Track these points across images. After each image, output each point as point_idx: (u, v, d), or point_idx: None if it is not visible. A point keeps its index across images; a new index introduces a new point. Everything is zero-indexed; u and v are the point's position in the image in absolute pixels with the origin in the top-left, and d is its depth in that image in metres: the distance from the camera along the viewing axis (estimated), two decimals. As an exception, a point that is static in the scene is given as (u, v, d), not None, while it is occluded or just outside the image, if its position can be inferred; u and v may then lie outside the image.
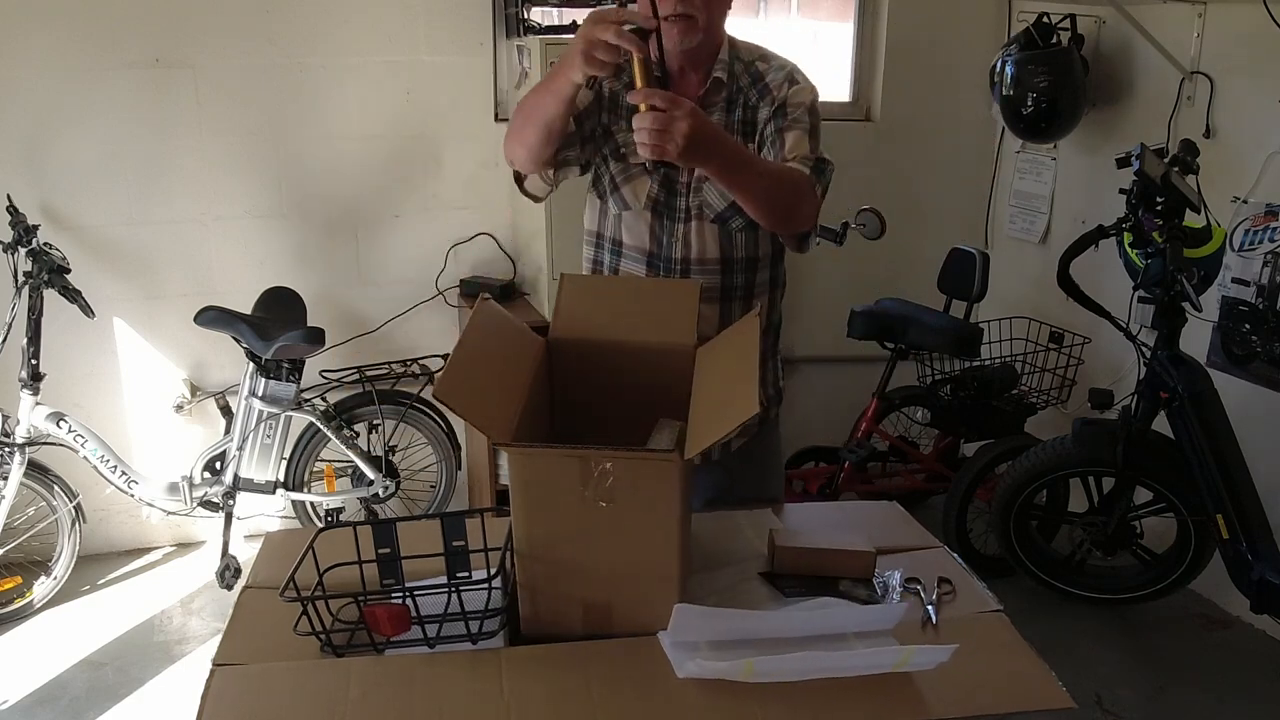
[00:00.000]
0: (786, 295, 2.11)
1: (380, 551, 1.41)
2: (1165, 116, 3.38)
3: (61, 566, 3.30)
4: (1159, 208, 2.84)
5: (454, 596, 1.36)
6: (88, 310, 3.13)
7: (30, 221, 3.10)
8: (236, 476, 3.32)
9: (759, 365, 1.50)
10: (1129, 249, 3.44)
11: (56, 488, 3.24)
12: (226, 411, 3.48)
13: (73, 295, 3.09)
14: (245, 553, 3.51)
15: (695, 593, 1.44)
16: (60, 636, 3.18)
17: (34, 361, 3.10)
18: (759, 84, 1.93)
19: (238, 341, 3.23)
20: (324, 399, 3.42)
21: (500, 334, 1.57)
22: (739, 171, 1.73)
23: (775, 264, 2.02)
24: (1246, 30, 3.11)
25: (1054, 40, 3.55)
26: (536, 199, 2.02)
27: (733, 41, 1.95)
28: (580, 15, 3.53)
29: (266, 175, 3.53)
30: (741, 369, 1.41)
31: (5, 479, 3.11)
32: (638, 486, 1.32)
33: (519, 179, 1.97)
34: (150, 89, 3.35)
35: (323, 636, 1.36)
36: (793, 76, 1.92)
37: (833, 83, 4.04)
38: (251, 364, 3.23)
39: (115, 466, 3.25)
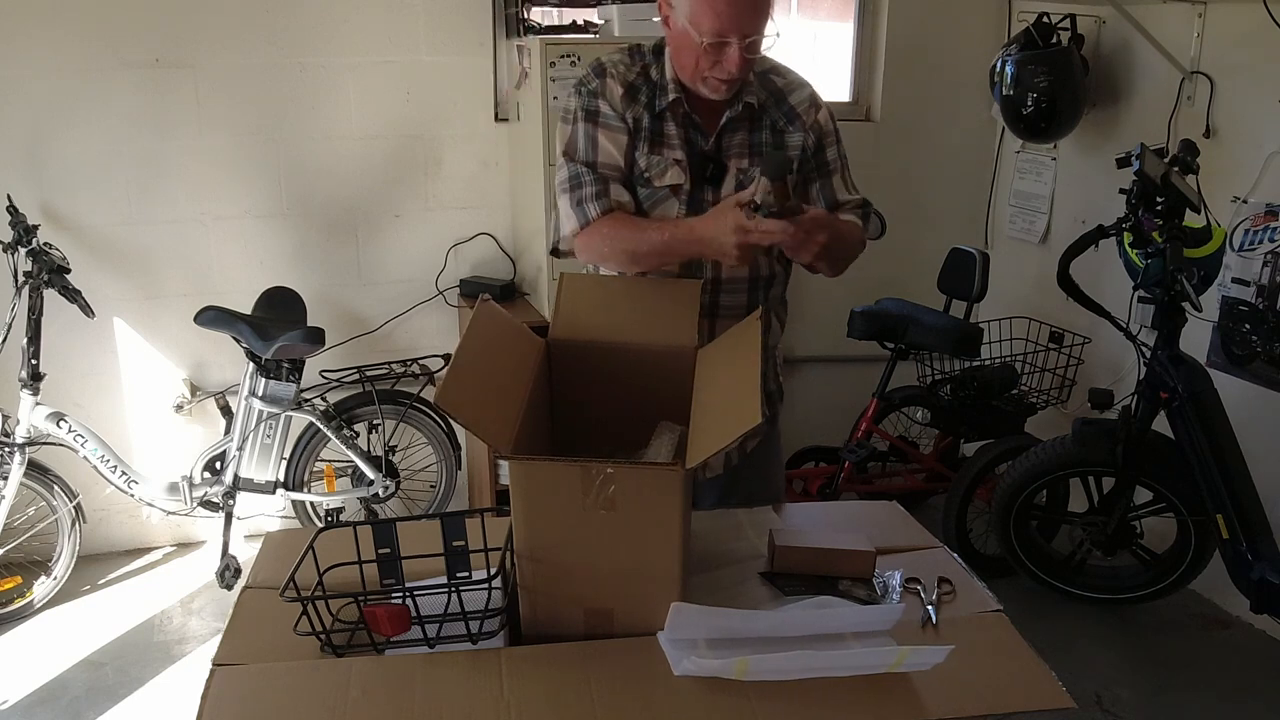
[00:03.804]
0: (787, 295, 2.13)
1: (380, 551, 1.41)
2: (1165, 116, 3.38)
3: (61, 566, 3.30)
4: (1159, 208, 2.84)
5: (454, 596, 1.36)
6: (88, 310, 3.13)
7: (30, 221, 3.10)
8: (236, 476, 3.32)
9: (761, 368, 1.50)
10: (1129, 249, 3.44)
11: (56, 488, 3.24)
12: (226, 411, 3.48)
13: (73, 295, 3.09)
14: (245, 553, 3.51)
15: (696, 593, 1.44)
16: (60, 636, 3.18)
17: (34, 361, 3.10)
18: (782, 104, 1.93)
19: (238, 341, 3.23)
20: (324, 399, 3.42)
21: (500, 336, 1.57)
22: (834, 253, 1.78)
23: (784, 282, 2.06)
24: (1246, 30, 3.11)
25: (1054, 40, 3.54)
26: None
27: None
28: (580, 15, 3.53)
29: (266, 175, 3.53)
30: (743, 376, 1.40)
31: (5, 479, 3.11)
32: (639, 495, 1.32)
33: (559, 254, 1.98)
34: (150, 89, 3.35)
35: (323, 636, 1.36)
36: (815, 98, 1.95)
37: (833, 83, 4.04)
38: (251, 364, 3.23)
39: (115, 466, 3.25)
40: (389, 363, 3.47)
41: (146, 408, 3.60)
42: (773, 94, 1.93)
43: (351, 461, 3.43)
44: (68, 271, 3.10)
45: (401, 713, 1.25)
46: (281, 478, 3.38)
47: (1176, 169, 2.85)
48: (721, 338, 1.63)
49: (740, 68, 1.76)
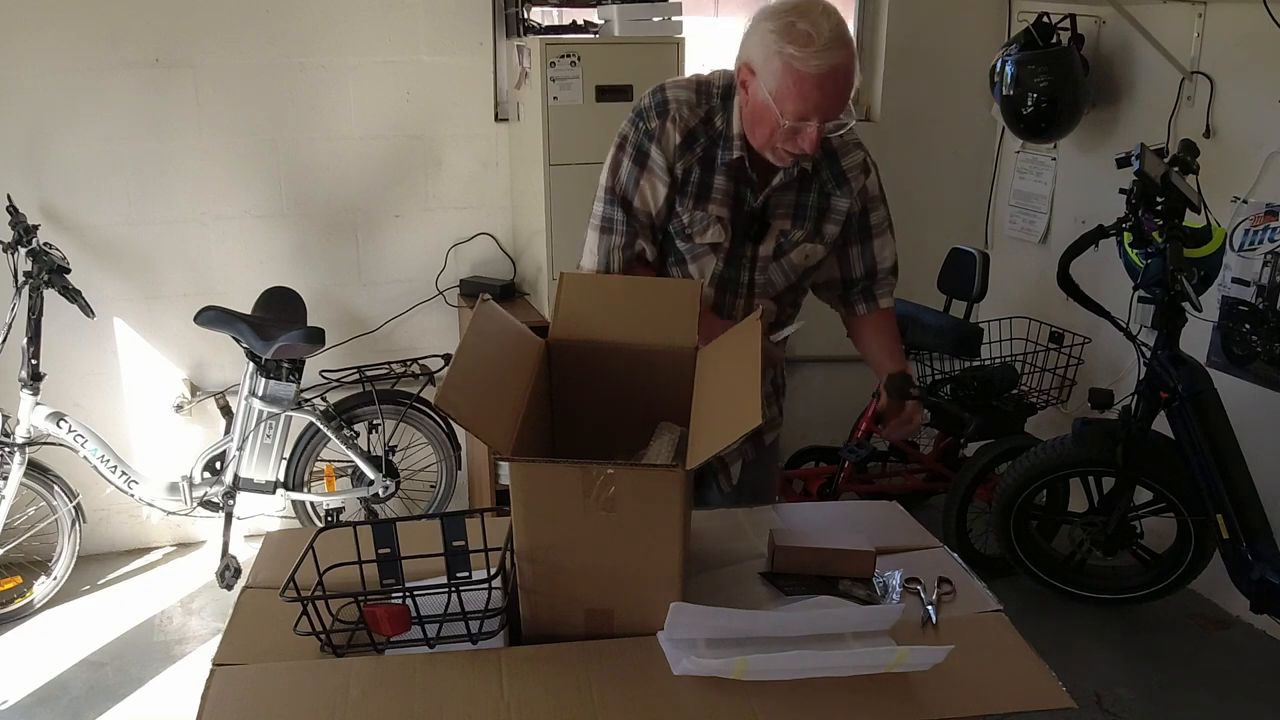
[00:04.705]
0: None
1: (380, 551, 1.40)
2: (1165, 116, 3.38)
3: (61, 566, 3.30)
4: (1159, 208, 2.84)
5: (454, 596, 1.36)
6: (88, 310, 3.13)
7: (30, 221, 3.10)
8: (236, 476, 3.32)
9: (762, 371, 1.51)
10: (1129, 249, 3.43)
11: (56, 488, 3.24)
12: (226, 411, 3.48)
13: (73, 295, 3.09)
14: (245, 553, 3.52)
15: (696, 593, 1.44)
16: (60, 636, 3.18)
17: (34, 361, 3.10)
18: (834, 164, 1.92)
19: (238, 341, 3.23)
20: (324, 399, 3.42)
21: (500, 336, 1.57)
22: None
23: (801, 299, 2.11)
24: (1246, 30, 3.11)
25: (1054, 40, 3.54)
26: None
27: None
28: (581, 15, 3.53)
29: (266, 175, 3.53)
30: (743, 376, 1.40)
31: (5, 479, 3.11)
32: (639, 496, 1.32)
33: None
34: (150, 89, 3.35)
35: (323, 636, 1.36)
36: (866, 163, 1.94)
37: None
38: (251, 364, 3.23)
39: (115, 466, 3.24)
40: (389, 363, 3.47)
41: (146, 408, 3.59)
42: (826, 153, 1.90)
43: (351, 461, 3.43)
44: (68, 271, 3.10)
45: (401, 713, 1.25)
46: (281, 478, 3.38)
47: (1176, 169, 2.85)
48: (721, 338, 1.63)
49: (815, 147, 1.76)
